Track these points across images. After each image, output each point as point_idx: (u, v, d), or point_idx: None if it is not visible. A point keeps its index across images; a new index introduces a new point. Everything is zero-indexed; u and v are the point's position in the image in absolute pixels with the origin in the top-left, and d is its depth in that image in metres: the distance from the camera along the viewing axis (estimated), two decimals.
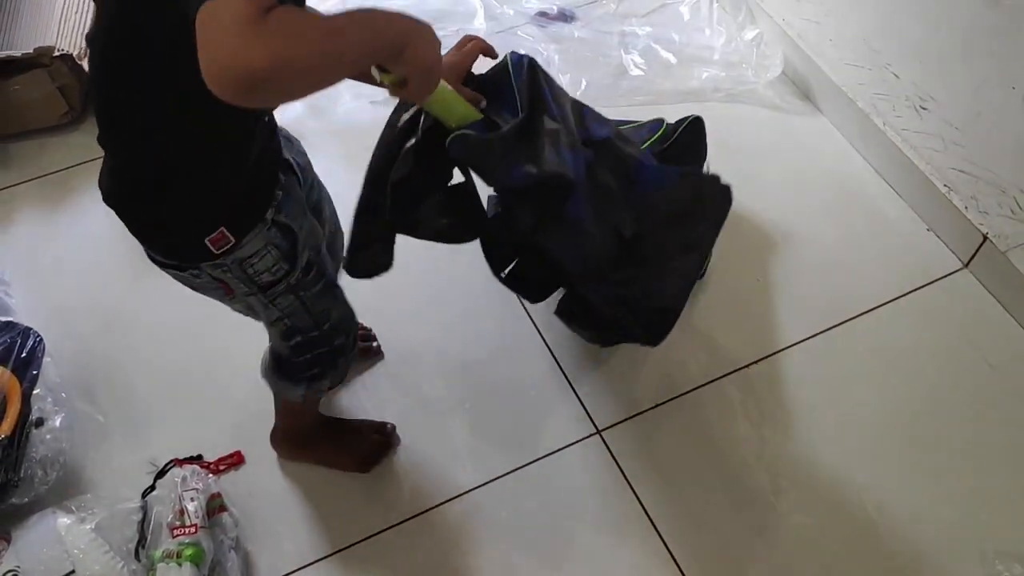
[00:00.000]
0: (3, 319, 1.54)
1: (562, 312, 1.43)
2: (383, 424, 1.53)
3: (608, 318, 1.41)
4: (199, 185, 1.00)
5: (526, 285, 1.40)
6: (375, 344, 1.64)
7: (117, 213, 1.04)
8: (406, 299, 1.72)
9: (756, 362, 1.61)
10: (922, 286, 1.72)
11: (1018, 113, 1.51)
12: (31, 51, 1.87)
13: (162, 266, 1.10)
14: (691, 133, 1.65)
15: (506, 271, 1.35)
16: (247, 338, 1.67)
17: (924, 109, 1.71)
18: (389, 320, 1.69)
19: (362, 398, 1.59)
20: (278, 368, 1.32)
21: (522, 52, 1.21)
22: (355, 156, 1.97)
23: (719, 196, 1.41)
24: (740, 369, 1.61)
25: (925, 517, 1.43)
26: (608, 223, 1.28)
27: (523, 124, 1.14)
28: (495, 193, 1.31)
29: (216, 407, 1.59)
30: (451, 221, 1.25)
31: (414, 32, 0.84)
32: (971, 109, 1.61)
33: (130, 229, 1.05)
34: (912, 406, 1.56)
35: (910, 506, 1.45)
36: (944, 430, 1.53)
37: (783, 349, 1.63)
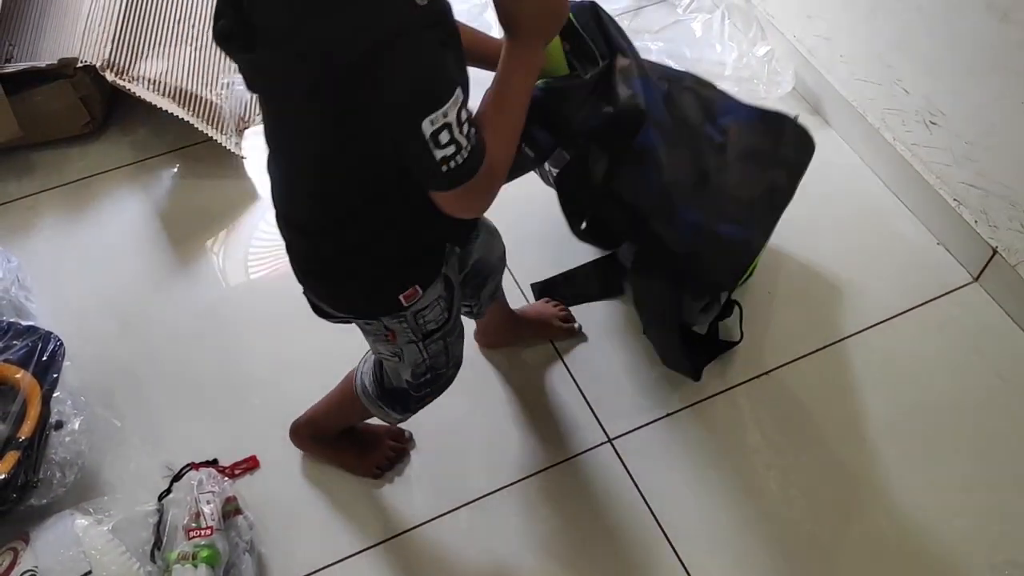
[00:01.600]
0: (25, 323, 1.56)
1: (638, 267, 1.38)
2: (400, 431, 1.55)
3: (685, 257, 1.33)
4: (401, 247, 1.09)
5: (602, 237, 1.37)
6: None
7: (311, 284, 1.15)
8: None
9: (767, 372, 1.63)
10: (932, 299, 1.73)
11: None
12: (55, 62, 1.91)
13: (329, 317, 1.19)
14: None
15: (583, 226, 1.34)
16: (264, 345, 1.71)
17: (934, 124, 1.73)
18: None
19: None
20: (387, 397, 1.35)
21: None
22: None
23: (800, 141, 1.38)
24: (751, 379, 1.62)
25: (936, 528, 1.44)
26: (684, 152, 1.29)
27: (603, 71, 1.20)
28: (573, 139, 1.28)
29: (232, 412, 1.61)
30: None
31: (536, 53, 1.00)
32: (981, 124, 1.63)
33: (319, 294, 1.16)
34: (923, 418, 1.57)
35: (921, 517, 1.45)
36: (955, 441, 1.54)
37: (793, 360, 1.64)
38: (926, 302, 1.73)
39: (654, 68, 1.33)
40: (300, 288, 1.76)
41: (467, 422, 1.58)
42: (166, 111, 1.91)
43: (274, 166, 1.07)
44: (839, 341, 1.67)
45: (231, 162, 2.00)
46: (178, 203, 1.95)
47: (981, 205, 1.69)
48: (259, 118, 2.06)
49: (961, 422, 1.56)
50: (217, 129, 1.97)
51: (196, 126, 1.91)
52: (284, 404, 1.58)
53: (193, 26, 2.14)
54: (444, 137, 0.86)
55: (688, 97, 1.34)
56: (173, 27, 2.11)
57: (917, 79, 1.74)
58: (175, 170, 2.01)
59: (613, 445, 1.54)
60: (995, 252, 1.69)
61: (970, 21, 1.56)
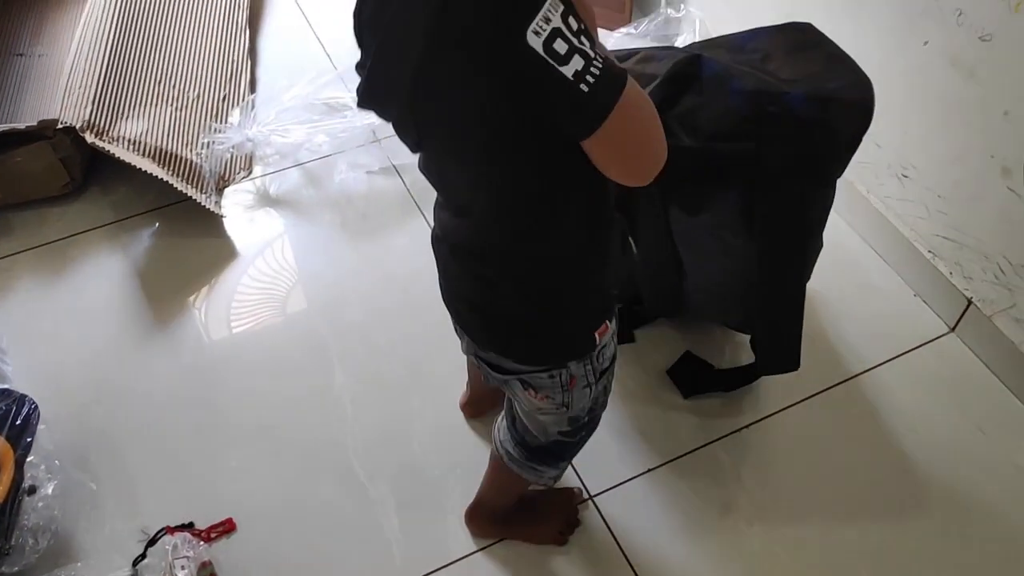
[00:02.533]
0: None
1: (764, 184, 1.31)
2: (569, 491, 1.53)
3: (813, 126, 1.28)
4: (593, 285, 1.06)
5: (708, 185, 1.32)
6: None
7: (513, 342, 1.08)
8: (399, 369, 1.74)
9: (748, 426, 1.62)
10: (910, 350, 1.74)
11: (996, 180, 1.55)
12: (35, 123, 1.91)
13: (515, 373, 1.12)
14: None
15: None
16: (242, 405, 1.69)
17: (906, 177, 1.75)
18: (382, 385, 1.70)
19: (354, 463, 1.59)
20: (537, 456, 1.31)
21: None
22: (350, 224, 2.03)
23: (812, 28, 1.39)
24: (732, 433, 1.61)
25: None
26: (745, 69, 1.30)
27: None
28: None
29: (208, 475, 1.59)
30: None
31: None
32: (952, 177, 1.66)
33: (519, 352, 1.09)
34: (904, 468, 1.56)
35: (903, 570, 1.44)
36: (936, 492, 1.53)
37: (774, 413, 1.64)
38: (904, 353, 1.74)
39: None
40: (277, 348, 1.77)
41: (447, 480, 1.57)
42: (145, 170, 1.91)
43: (457, 221, 1.01)
44: (817, 394, 1.67)
45: (211, 221, 2.00)
46: (157, 263, 1.94)
47: (955, 257, 1.71)
48: (240, 176, 2.08)
49: (941, 471, 1.56)
50: (197, 188, 1.97)
51: (175, 186, 1.92)
52: (261, 465, 1.57)
53: (174, 86, 2.16)
54: (561, 46, 0.76)
55: (709, 51, 1.36)
56: (153, 88, 2.12)
57: (888, 134, 1.77)
58: (155, 229, 2.01)
59: (594, 502, 1.53)
60: (970, 303, 1.70)
61: (937, 78, 1.60)
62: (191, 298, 1.88)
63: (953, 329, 1.77)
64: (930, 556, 1.46)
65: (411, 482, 1.57)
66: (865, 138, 1.80)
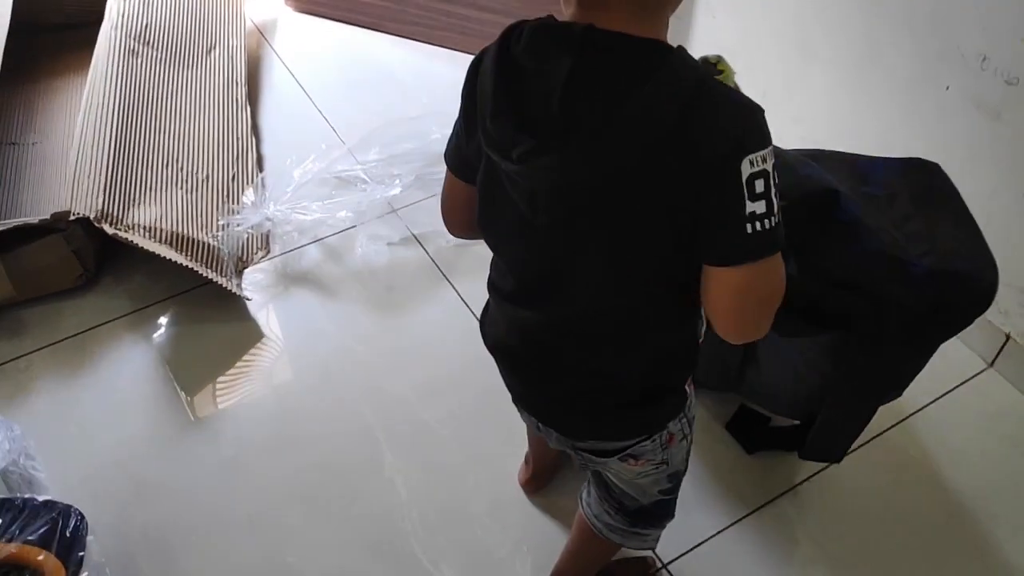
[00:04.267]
0: (40, 499, 1.47)
1: (873, 342, 1.30)
2: (643, 560, 1.50)
3: (931, 307, 1.25)
4: (695, 350, 1.06)
5: (807, 327, 1.30)
6: None
7: (611, 431, 1.07)
8: (450, 446, 1.70)
9: (808, 479, 1.62)
10: (952, 389, 1.76)
11: None
12: (48, 216, 1.86)
13: (618, 452, 1.10)
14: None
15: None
16: (289, 497, 1.63)
17: None
18: (434, 465, 1.66)
19: (416, 549, 1.54)
20: (641, 520, 1.26)
21: None
22: (376, 298, 1.99)
23: (938, 171, 1.37)
24: (793, 487, 1.60)
25: None
26: (875, 211, 1.28)
27: None
28: None
29: (263, 568, 1.53)
30: None
31: None
32: (984, 215, 1.67)
33: (621, 435, 1.08)
34: (962, 505, 1.58)
35: None
36: (1005, 528, 1.54)
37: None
38: (947, 392, 1.75)
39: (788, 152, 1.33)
40: (320, 432, 1.71)
41: (515, 561, 1.53)
42: (161, 257, 1.86)
43: (560, 319, 0.99)
44: (872, 439, 1.67)
45: (233, 304, 1.95)
46: (182, 351, 1.88)
47: None
48: (258, 256, 2.04)
49: (1001, 505, 1.57)
50: (217, 272, 1.92)
51: (199, 271, 1.87)
52: (321, 558, 1.51)
53: (181, 169, 2.11)
54: (759, 186, 0.80)
55: (831, 165, 1.33)
56: (161, 172, 2.08)
57: None
58: (175, 316, 1.95)
59: (668, 570, 1.50)
60: (1008, 337, 1.73)
61: (962, 120, 1.63)
62: (223, 385, 1.82)
63: (992, 364, 1.78)
64: None
65: (478, 564, 1.52)
66: None
